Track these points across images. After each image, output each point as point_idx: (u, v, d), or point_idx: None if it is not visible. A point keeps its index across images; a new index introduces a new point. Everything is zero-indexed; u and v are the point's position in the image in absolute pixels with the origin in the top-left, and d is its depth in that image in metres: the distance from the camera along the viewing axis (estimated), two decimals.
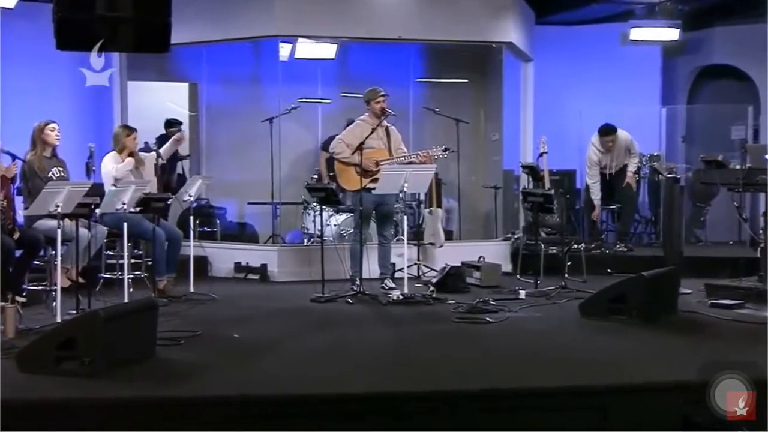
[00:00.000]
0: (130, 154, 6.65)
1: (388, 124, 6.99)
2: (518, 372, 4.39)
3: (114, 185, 6.29)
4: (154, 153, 6.76)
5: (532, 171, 7.92)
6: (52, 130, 6.23)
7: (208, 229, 8.67)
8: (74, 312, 5.46)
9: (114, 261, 6.68)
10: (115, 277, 6.55)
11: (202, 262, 7.66)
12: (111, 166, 6.52)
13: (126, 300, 5.89)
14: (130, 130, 6.74)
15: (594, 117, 8.89)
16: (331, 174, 7.30)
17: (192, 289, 6.67)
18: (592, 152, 8.47)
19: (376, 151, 6.84)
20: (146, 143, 7.12)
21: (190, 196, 6.89)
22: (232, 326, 5.48)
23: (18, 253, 5.66)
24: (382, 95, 6.85)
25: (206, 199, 9.04)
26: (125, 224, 6.04)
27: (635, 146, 8.55)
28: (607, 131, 8.38)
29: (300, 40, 8.75)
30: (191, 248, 6.79)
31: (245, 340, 5.11)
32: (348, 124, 7.25)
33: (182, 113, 9.49)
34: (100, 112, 8.63)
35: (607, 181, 8.52)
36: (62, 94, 8.22)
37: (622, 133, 8.44)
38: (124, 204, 5.97)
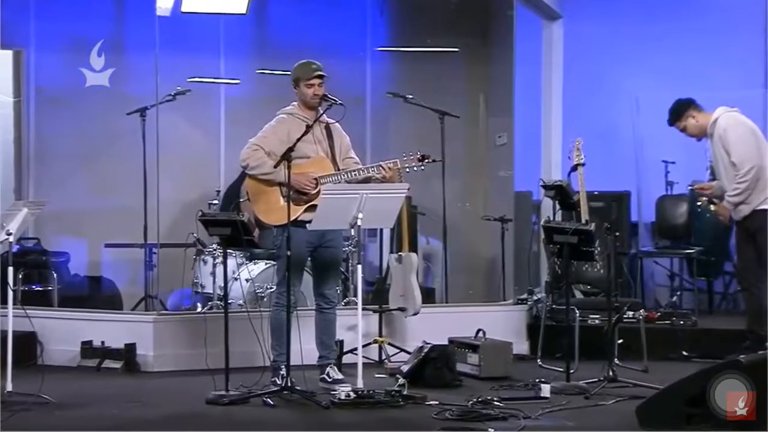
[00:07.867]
0: None
1: (330, 121, 7.04)
2: None
3: None
4: None
5: (561, 193, 8.00)
6: None
7: (39, 288, 8.63)
8: None
9: None
10: None
11: (27, 342, 7.62)
12: None
13: None
14: None
15: (657, 105, 9.01)
16: (242, 200, 7.34)
17: (10, 387, 6.59)
18: None
19: (312, 162, 6.88)
20: None
21: (10, 233, 6.83)
22: None
23: None
24: (318, 74, 6.91)
25: (35, 239, 8.99)
26: None
27: (732, 148, 7.55)
28: (670, 115, 7.87)
29: None
30: (9, 319, 6.72)
31: None
32: None
33: None
34: None
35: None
36: None
37: (723, 120, 7.61)
38: None
